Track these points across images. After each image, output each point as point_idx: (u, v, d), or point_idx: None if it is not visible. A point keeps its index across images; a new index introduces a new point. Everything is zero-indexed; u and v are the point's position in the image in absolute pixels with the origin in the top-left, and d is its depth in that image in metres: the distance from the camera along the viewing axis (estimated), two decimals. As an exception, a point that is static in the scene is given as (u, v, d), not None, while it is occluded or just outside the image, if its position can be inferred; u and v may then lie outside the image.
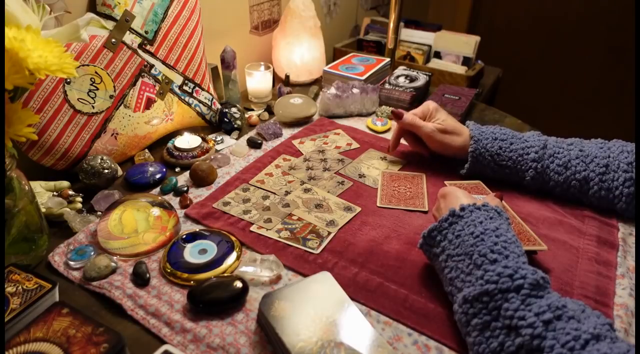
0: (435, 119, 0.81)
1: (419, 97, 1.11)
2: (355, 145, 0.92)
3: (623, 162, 0.69)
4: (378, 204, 0.74)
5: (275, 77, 1.22)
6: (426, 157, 0.87)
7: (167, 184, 0.76)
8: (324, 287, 0.54)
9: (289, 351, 0.45)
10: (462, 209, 0.55)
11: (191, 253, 0.62)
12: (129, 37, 0.80)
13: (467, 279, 0.50)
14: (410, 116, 0.81)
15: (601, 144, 0.73)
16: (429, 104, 0.83)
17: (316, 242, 0.65)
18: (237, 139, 0.94)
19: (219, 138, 0.92)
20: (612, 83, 2.17)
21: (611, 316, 0.55)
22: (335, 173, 0.82)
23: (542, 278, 0.47)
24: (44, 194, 0.71)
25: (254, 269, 0.59)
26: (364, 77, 1.12)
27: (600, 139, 0.75)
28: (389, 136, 0.96)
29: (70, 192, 0.72)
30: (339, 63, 1.22)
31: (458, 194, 0.60)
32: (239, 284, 0.55)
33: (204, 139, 0.88)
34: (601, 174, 0.70)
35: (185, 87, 0.90)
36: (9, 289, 0.52)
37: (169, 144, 0.87)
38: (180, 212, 0.71)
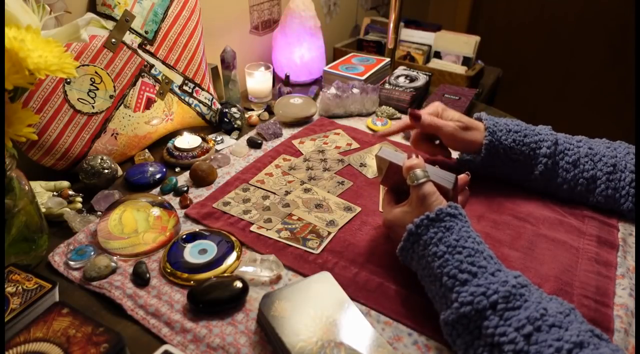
0: (448, 118, 0.76)
1: (419, 97, 1.11)
2: (355, 145, 0.92)
3: (630, 163, 0.69)
4: (381, 210, 0.73)
5: (275, 77, 1.22)
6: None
7: (167, 184, 0.76)
8: (324, 287, 0.54)
9: (289, 351, 0.45)
10: (418, 226, 0.53)
11: (191, 253, 0.62)
12: (129, 37, 0.80)
13: (443, 302, 0.50)
14: (428, 117, 0.74)
15: (608, 143, 0.73)
16: (437, 105, 0.77)
17: (316, 242, 0.65)
18: (237, 139, 0.94)
19: (219, 138, 0.92)
20: (612, 83, 2.17)
21: (611, 316, 0.55)
22: (335, 173, 0.82)
23: (513, 287, 0.46)
24: (44, 194, 0.71)
25: (254, 269, 0.59)
26: (364, 77, 1.12)
27: (605, 139, 0.75)
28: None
29: (70, 192, 0.72)
30: (339, 63, 1.22)
31: (399, 215, 0.58)
32: (239, 284, 0.55)
33: (204, 139, 0.88)
34: (608, 174, 0.70)
35: (185, 87, 0.90)
36: (9, 289, 0.52)
37: (169, 144, 0.87)
38: (180, 212, 0.71)
